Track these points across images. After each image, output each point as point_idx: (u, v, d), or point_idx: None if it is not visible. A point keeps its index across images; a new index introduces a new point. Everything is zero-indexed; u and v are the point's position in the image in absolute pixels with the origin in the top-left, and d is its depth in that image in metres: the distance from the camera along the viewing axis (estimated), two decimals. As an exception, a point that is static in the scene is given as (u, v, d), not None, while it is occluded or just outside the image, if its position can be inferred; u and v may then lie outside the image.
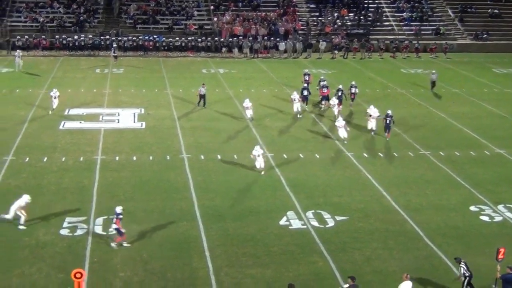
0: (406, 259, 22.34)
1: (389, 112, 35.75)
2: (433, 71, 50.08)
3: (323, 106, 42.29)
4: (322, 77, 45.68)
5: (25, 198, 24.00)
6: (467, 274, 19.58)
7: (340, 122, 35.03)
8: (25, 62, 53.77)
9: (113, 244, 22.47)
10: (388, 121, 35.51)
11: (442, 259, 22.10)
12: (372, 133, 36.36)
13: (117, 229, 22.47)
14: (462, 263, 19.77)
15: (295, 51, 64.60)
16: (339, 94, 41.22)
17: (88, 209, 25.61)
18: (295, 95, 40.00)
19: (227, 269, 21.31)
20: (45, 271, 20.77)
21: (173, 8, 69.54)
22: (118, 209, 22.53)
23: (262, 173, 29.68)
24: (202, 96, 41.84)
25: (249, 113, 38.22)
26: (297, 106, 39.73)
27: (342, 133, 34.78)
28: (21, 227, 23.58)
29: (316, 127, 38.29)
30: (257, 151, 29.87)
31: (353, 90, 43.01)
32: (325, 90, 42.55)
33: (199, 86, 42.48)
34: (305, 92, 42.01)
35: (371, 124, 36.62)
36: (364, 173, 30.65)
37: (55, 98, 39.32)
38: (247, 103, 38.09)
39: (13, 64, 53.12)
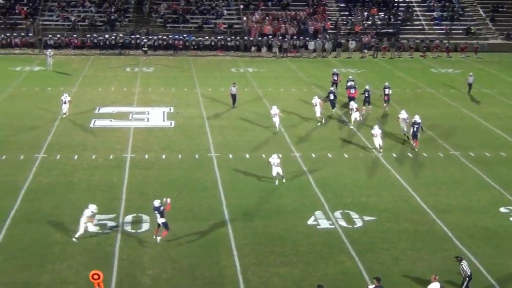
0: (435, 260, 22.20)
1: (417, 118, 33.74)
2: (470, 74, 48.78)
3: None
4: (350, 77, 45.17)
5: (91, 208, 22.90)
6: (468, 274, 19.43)
7: (376, 130, 33.13)
8: (57, 61, 54.36)
9: (158, 238, 22.60)
10: (415, 129, 33.48)
11: (471, 260, 21.87)
12: (406, 137, 35.43)
13: (164, 223, 22.52)
14: (463, 262, 19.70)
15: (324, 50, 64.43)
16: (366, 94, 40.71)
17: (117, 206, 25.86)
18: (316, 100, 38.56)
19: (254, 267, 21.39)
20: (74, 268, 21.04)
21: (203, 7, 69.82)
22: (156, 203, 22.55)
23: (284, 180, 28.88)
24: (233, 96, 41.78)
25: (276, 121, 36.30)
26: (319, 110, 38.18)
27: (378, 141, 33.07)
28: (74, 239, 22.81)
29: (345, 127, 38.18)
30: (274, 159, 28.59)
31: (386, 91, 41.92)
32: (352, 90, 41.77)
33: (229, 85, 42.55)
34: (332, 96, 40.57)
35: (403, 127, 35.43)
36: (392, 173, 30.50)
37: (65, 103, 38.23)
38: (274, 110, 36.39)
39: (45, 63, 53.79)
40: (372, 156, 32.86)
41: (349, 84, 42.84)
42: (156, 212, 22.62)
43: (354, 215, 25.59)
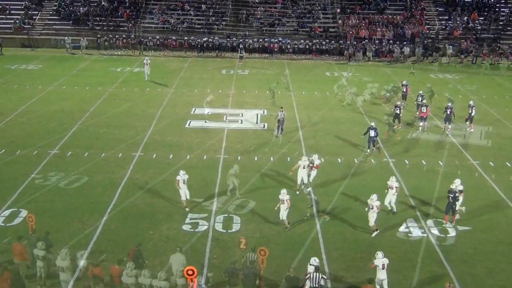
0: (532, 274, 21.46)
1: (458, 182, 25.91)
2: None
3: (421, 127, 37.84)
4: (420, 92, 41.22)
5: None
6: None
7: (393, 183, 26.00)
8: (155, 62, 55.48)
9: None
10: (451, 199, 24.95)
11: None
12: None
13: None
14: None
15: (414, 56, 63.04)
16: (448, 112, 37.14)
17: (209, 206, 26.33)
18: (304, 162, 28.15)
19: (343, 272, 21.30)
20: (167, 264, 21.45)
21: (299, 11, 70.03)
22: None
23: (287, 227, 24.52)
24: (281, 122, 35.57)
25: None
26: (303, 177, 28.16)
27: (388, 199, 26.03)
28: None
29: (441, 135, 37.36)
30: (283, 195, 24.22)
31: (469, 111, 37.56)
32: (424, 109, 37.51)
33: (323, 88, 42.32)
34: (372, 133, 32.92)
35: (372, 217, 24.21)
36: (490, 183, 29.59)
37: (183, 182, 25.86)
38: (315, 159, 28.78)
39: (143, 71, 54.21)
40: (468, 165, 32.00)
41: (420, 101, 39.23)
42: None
43: (447, 224, 25.02)
